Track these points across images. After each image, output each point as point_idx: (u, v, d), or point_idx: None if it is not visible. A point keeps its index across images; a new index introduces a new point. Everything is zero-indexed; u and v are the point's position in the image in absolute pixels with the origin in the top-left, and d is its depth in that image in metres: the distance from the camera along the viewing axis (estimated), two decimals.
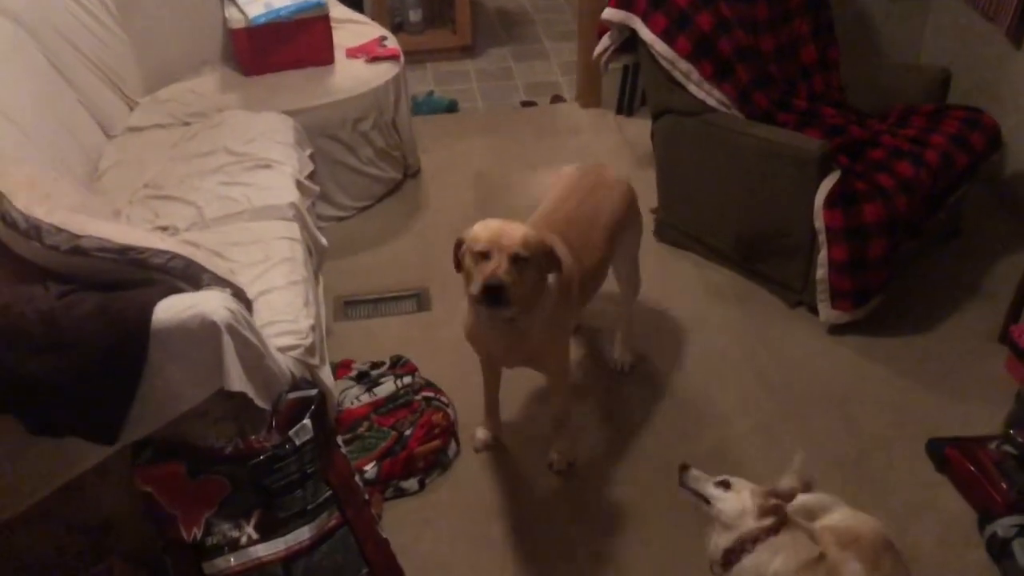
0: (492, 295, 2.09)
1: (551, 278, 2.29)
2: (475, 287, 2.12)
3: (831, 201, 2.93)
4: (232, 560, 1.95)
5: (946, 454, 2.59)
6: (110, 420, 1.90)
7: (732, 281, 3.36)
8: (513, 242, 2.11)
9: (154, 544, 2.08)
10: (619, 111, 4.52)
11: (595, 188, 2.68)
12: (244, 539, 1.97)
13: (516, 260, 2.11)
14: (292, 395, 2.15)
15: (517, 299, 2.12)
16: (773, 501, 1.97)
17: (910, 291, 3.25)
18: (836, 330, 3.09)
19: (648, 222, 3.62)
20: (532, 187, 2.99)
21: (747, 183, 3.16)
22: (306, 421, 2.08)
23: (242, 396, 2.01)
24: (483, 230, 2.16)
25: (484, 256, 2.12)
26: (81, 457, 1.97)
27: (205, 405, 1.99)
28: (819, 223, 2.97)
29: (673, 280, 3.41)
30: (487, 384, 2.68)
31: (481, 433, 2.74)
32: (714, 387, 2.92)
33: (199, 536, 1.95)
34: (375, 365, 2.94)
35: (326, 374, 2.50)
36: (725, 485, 2.04)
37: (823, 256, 3.00)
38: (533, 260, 2.15)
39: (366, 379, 2.88)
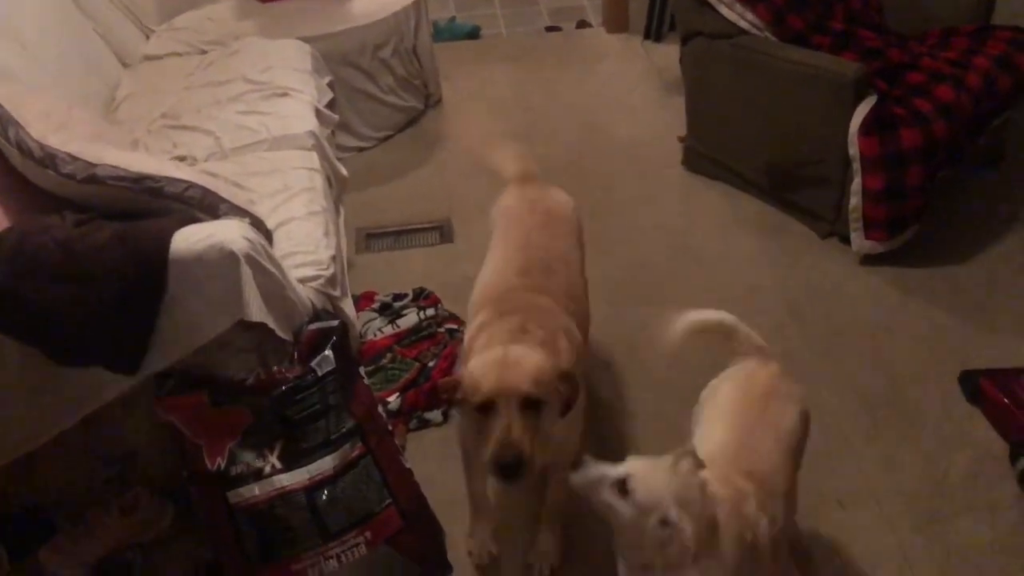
0: (509, 470, 1.70)
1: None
2: (483, 451, 1.73)
3: (866, 128, 2.83)
4: (256, 489, 1.94)
5: (979, 386, 2.53)
6: (131, 350, 1.89)
7: (762, 211, 3.28)
8: (522, 383, 1.70)
9: (178, 474, 2.09)
10: (647, 36, 4.40)
11: (548, 220, 2.27)
12: (268, 468, 1.96)
13: (529, 405, 1.70)
14: (313, 326, 2.12)
15: (539, 458, 1.72)
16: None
17: (946, 220, 3.15)
18: (869, 261, 3.02)
19: (677, 151, 3.56)
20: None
21: (779, 109, 3.06)
22: (328, 352, 2.06)
23: (263, 327, 1.98)
24: (483, 376, 1.72)
25: (488, 408, 1.71)
26: (104, 388, 1.96)
27: (226, 336, 1.97)
28: (853, 150, 2.87)
29: (701, 211, 3.34)
30: (474, 478, 2.16)
31: (476, 545, 2.19)
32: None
33: (223, 466, 1.94)
34: (397, 297, 2.92)
35: (348, 306, 2.48)
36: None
37: (857, 184, 2.91)
38: (551, 397, 1.75)
39: (389, 311, 2.86)
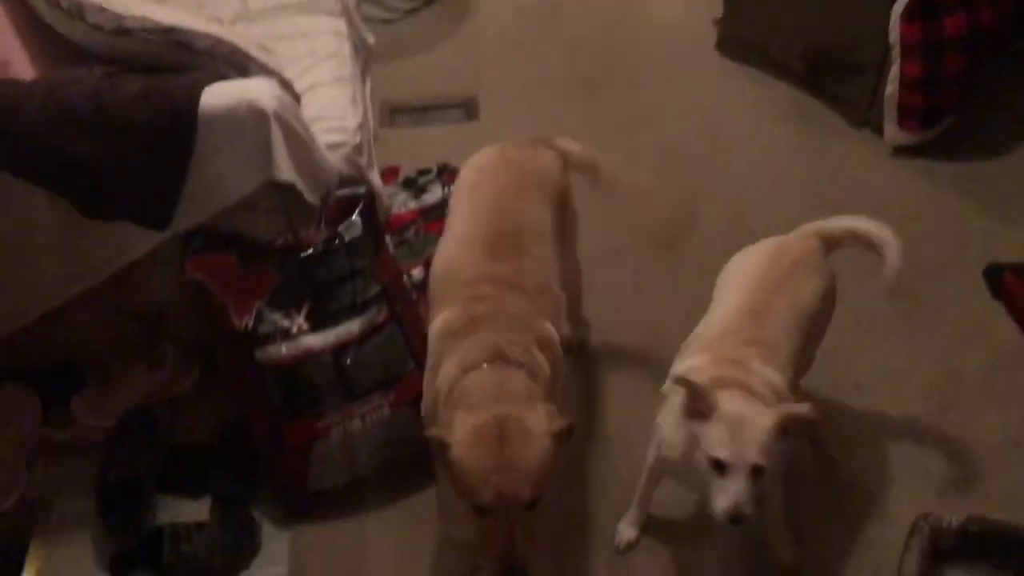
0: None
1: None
2: (484, 556, 1.65)
3: (909, 13, 2.74)
4: (283, 349, 1.97)
5: (1003, 280, 2.52)
6: (161, 205, 1.89)
7: (795, 98, 3.21)
8: (524, 489, 1.47)
9: (206, 333, 2.12)
10: None
11: (524, 183, 1.92)
12: (295, 329, 1.99)
13: (531, 506, 1.49)
14: (341, 192, 2.12)
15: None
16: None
17: (984, 113, 3.07)
18: (901, 152, 2.97)
19: (711, 34, 3.46)
20: None
21: None
22: (355, 218, 2.06)
23: (291, 189, 1.98)
24: (481, 481, 1.47)
25: (488, 511, 1.49)
26: (133, 244, 1.97)
27: (254, 197, 1.97)
28: (894, 36, 2.79)
29: (732, 95, 3.27)
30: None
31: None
32: (767, 206, 2.83)
33: (250, 325, 1.97)
34: (422, 172, 2.90)
35: (375, 177, 2.46)
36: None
37: (895, 72, 2.84)
38: (544, 493, 1.51)
39: (413, 185, 2.84)
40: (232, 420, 2.20)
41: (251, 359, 1.99)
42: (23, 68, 2.03)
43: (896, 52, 2.80)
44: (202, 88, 1.84)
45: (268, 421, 2.04)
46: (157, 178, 1.86)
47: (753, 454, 1.55)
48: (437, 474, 1.90)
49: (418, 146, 3.09)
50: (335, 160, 2.19)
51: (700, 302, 2.02)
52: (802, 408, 1.62)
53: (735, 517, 1.56)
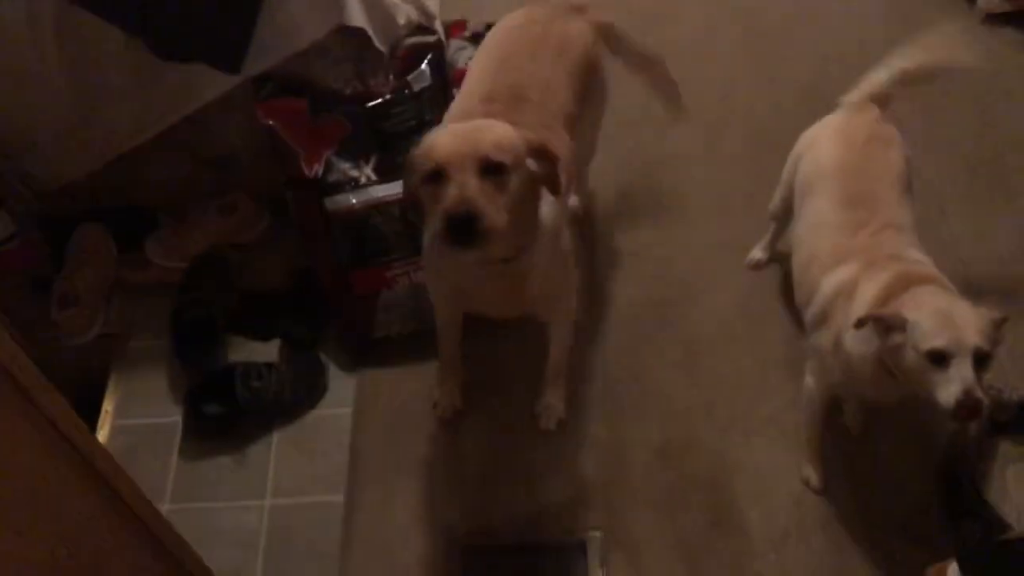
0: (459, 228, 1.40)
1: (547, 204, 1.61)
2: (436, 220, 1.44)
3: None
4: (352, 198, 2.00)
5: None
6: (233, 47, 1.89)
7: None
8: (481, 148, 1.43)
9: (276, 182, 2.15)
10: None
11: (541, 45, 1.83)
12: (363, 179, 2.01)
13: (489, 170, 1.43)
14: (410, 41, 2.10)
15: (499, 228, 1.42)
16: None
17: None
18: (992, 19, 2.81)
19: None
20: None
21: None
22: (424, 68, 2.04)
23: (361, 36, 1.96)
24: (437, 140, 1.47)
25: (441, 177, 1.44)
26: (205, 87, 1.99)
27: (325, 43, 1.97)
28: None
29: None
30: (448, 337, 2.00)
31: (443, 398, 2.10)
32: (846, 74, 2.68)
33: (320, 173, 1.99)
34: (490, 26, 2.83)
35: (439, 27, 2.42)
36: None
37: None
38: (516, 167, 1.46)
39: (480, 40, 2.78)
40: (301, 267, 2.25)
41: (320, 206, 2.02)
42: None
43: None
44: None
45: (336, 269, 2.08)
46: (230, 20, 1.86)
47: (972, 336, 1.45)
48: None
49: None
50: (405, 9, 2.16)
51: (772, 168, 1.99)
52: (1002, 317, 1.53)
53: (969, 405, 1.43)
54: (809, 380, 1.83)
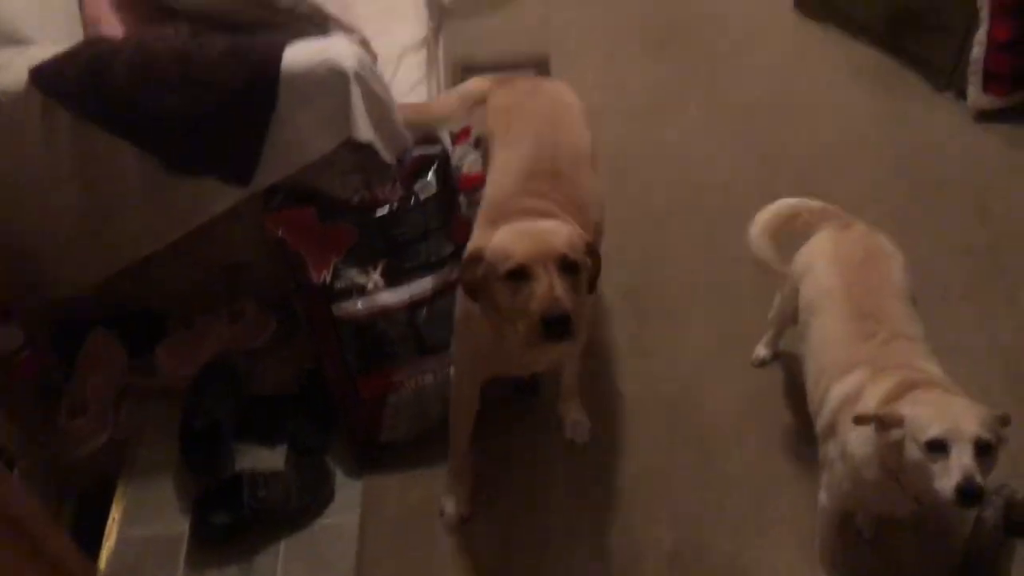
0: (554, 327, 1.52)
1: None
2: (527, 322, 1.54)
3: None
4: (359, 304, 2.02)
5: None
6: (243, 161, 1.94)
7: (875, 60, 3.14)
8: (559, 247, 1.56)
9: (284, 287, 2.18)
10: None
11: (555, 111, 2.03)
12: (370, 285, 2.03)
13: (565, 268, 1.56)
14: (417, 151, 2.15)
15: (580, 320, 1.57)
16: None
17: None
18: (984, 116, 2.89)
19: None
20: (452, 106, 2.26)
21: None
22: (430, 177, 2.09)
23: (368, 148, 2.01)
24: (514, 241, 1.58)
25: (522, 275, 1.55)
26: (216, 199, 2.03)
27: (333, 155, 2.01)
28: None
29: (810, 56, 3.21)
30: (462, 422, 2.01)
31: (452, 506, 2.07)
32: (846, 170, 2.79)
33: (328, 280, 2.02)
34: None
35: (444, 136, 2.48)
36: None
37: (982, 33, 2.75)
38: (582, 266, 1.60)
39: (481, 145, 2.85)
40: (308, 371, 2.26)
41: (328, 314, 2.04)
42: (113, 26, 2.09)
43: (985, 13, 2.71)
44: (284, 47, 1.87)
45: (343, 374, 2.09)
46: (240, 135, 1.91)
47: (971, 425, 1.45)
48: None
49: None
50: None
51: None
52: (1004, 414, 1.53)
53: (968, 491, 1.41)
54: (822, 496, 1.81)
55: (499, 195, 1.87)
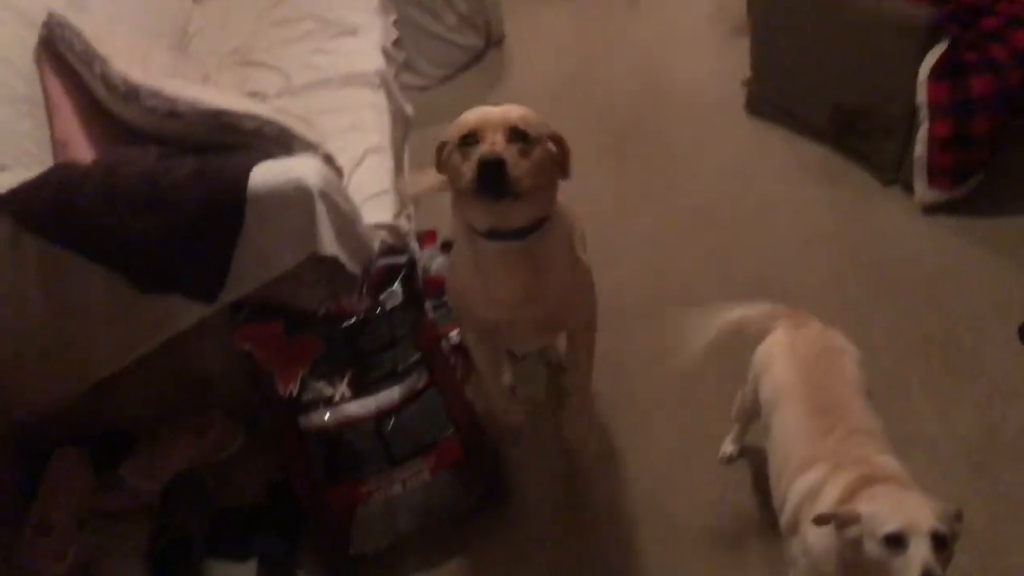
0: (490, 174, 1.58)
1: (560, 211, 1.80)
2: (467, 174, 1.62)
3: (937, 73, 2.78)
4: (326, 416, 2.04)
5: None
6: (210, 279, 1.97)
7: (824, 157, 3.25)
8: (510, 118, 1.65)
9: (251, 399, 2.19)
10: None
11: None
12: (337, 396, 2.05)
13: (516, 136, 1.63)
14: (382, 261, 2.19)
15: (524, 182, 1.61)
16: None
17: (1013, 170, 3.09)
18: (931, 209, 2.99)
19: (739, 95, 3.53)
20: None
21: (847, 53, 3.01)
22: (396, 287, 2.13)
23: (334, 260, 2.05)
24: (471, 113, 1.69)
25: (474, 139, 1.64)
26: (183, 315, 2.05)
27: (298, 269, 2.04)
28: (922, 97, 2.83)
29: (762, 155, 3.32)
30: (489, 375, 2.12)
31: (510, 412, 2.21)
32: (801, 265, 2.87)
33: (295, 392, 2.04)
34: None
35: (412, 242, 2.54)
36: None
37: (923, 132, 2.87)
38: (537, 140, 1.66)
39: (450, 248, 2.91)
40: (277, 483, 2.25)
41: (295, 426, 2.05)
42: (82, 148, 2.14)
43: (924, 112, 2.84)
44: (251, 168, 1.92)
45: (312, 485, 2.09)
46: (207, 254, 1.94)
47: (927, 519, 1.48)
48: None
49: None
50: (377, 230, 2.27)
51: (736, 359, 2.08)
52: (958, 509, 1.56)
53: None
54: None
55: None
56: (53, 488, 2.24)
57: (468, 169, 1.61)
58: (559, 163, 1.74)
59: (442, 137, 1.72)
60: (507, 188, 1.59)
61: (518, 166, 1.60)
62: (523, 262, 1.74)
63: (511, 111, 1.67)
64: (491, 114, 1.65)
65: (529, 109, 1.71)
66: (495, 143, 1.60)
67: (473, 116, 1.67)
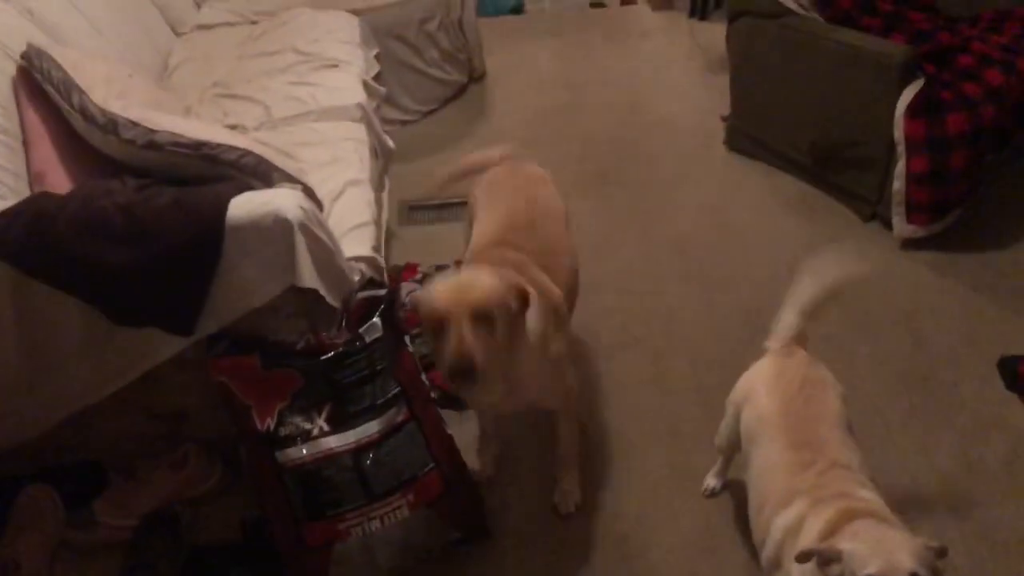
0: (459, 376, 1.78)
1: (531, 313, 1.95)
2: (442, 360, 1.81)
3: (913, 110, 2.82)
4: (304, 450, 2.00)
5: (1018, 371, 2.53)
6: (186, 312, 1.95)
7: (803, 192, 3.29)
8: (471, 300, 1.79)
9: (228, 433, 2.15)
10: (692, 14, 4.39)
11: (530, 182, 2.43)
12: (316, 431, 2.02)
13: (479, 320, 1.78)
14: (362, 295, 2.17)
15: (492, 365, 1.80)
16: None
17: (990, 205, 3.14)
18: (910, 244, 3.02)
19: (719, 130, 3.56)
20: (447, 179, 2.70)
21: (825, 90, 3.06)
22: (376, 320, 2.11)
23: (313, 293, 2.03)
24: (437, 294, 1.82)
25: (442, 326, 1.79)
26: (159, 348, 2.02)
27: (277, 301, 2.03)
28: (899, 133, 2.87)
29: (742, 190, 3.34)
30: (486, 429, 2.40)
31: (480, 462, 2.39)
32: (782, 298, 2.87)
33: (272, 426, 2.01)
34: (440, 268, 2.96)
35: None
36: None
37: (901, 168, 2.91)
38: (501, 310, 1.82)
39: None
40: (253, 519, 2.21)
41: (272, 460, 2.01)
42: (59, 179, 2.13)
43: (902, 149, 2.87)
44: (229, 200, 1.91)
45: (289, 521, 2.05)
46: (184, 286, 1.93)
47: (907, 560, 1.47)
48: None
49: (435, 243, 3.17)
50: (356, 263, 2.26)
51: (718, 391, 2.05)
52: (940, 545, 1.54)
53: None
54: None
55: (480, 243, 2.19)
56: (21, 526, 2.20)
57: (442, 355, 1.80)
58: (521, 309, 1.89)
59: (415, 298, 1.91)
60: (479, 380, 1.79)
61: (486, 354, 1.78)
62: (499, 386, 1.95)
63: (471, 292, 1.80)
64: (456, 300, 1.78)
65: (490, 279, 1.84)
66: (463, 339, 1.76)
67: (441, 301, 1.79)
